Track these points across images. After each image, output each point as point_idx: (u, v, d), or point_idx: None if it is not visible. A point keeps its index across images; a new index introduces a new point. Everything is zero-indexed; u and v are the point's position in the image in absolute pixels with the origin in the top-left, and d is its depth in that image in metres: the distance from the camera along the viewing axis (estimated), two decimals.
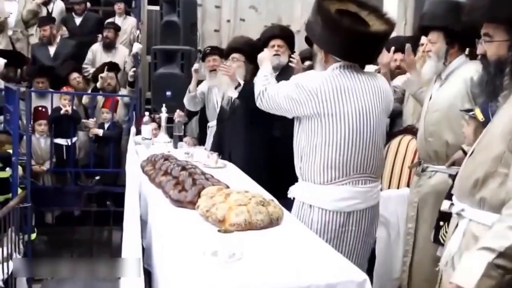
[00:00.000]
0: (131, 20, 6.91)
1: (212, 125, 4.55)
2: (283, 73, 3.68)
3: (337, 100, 2.28)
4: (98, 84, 5.91)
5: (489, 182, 1.62)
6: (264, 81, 2.52)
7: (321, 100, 2.28)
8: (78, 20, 6.88)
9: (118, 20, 6.89)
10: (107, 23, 6.65)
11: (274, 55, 3.69)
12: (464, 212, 1.73)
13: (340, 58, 2.35)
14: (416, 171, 2.83)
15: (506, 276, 1.42)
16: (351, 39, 2.26)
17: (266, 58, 2.70)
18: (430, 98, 2.74)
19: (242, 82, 3.37)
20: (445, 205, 1.89)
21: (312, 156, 2.34)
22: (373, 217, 2.44)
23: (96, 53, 6.51)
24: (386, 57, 2.64)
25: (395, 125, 3.79)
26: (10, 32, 6.54)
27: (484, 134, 1.72)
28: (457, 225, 1.78)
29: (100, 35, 6.68)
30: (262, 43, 3.83)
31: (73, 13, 6.94)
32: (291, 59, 3.48)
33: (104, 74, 5.81)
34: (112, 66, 6.07)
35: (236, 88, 3.35)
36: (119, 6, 6.92)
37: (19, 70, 6.12)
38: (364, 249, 2.45)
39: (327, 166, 2.32)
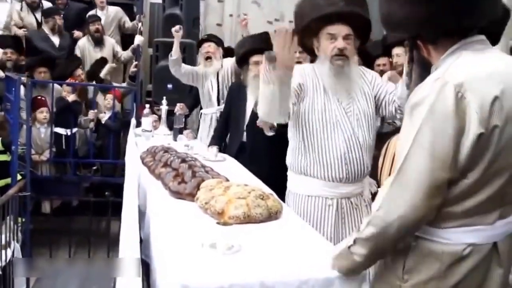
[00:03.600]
0: (112, 9, 6.78)
1: (206, 112, 4.54)
2: None
3: None
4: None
5: None
6: None
7: None
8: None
9: (99, 13, 6.66)
10: (90, 16, 6.45)
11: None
12: None
13: None
14: None
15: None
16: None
17: None
18: None
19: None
20: None
21: None
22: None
23: (84, 49, 6.37)
24: None
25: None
26: None
27: None
28: None
29: (79, 32, 6.52)
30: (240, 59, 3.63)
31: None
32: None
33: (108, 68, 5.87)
34: (103, 61, 6.12)
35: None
36: (101, 0, 6.68)
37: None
38: None
39: None
